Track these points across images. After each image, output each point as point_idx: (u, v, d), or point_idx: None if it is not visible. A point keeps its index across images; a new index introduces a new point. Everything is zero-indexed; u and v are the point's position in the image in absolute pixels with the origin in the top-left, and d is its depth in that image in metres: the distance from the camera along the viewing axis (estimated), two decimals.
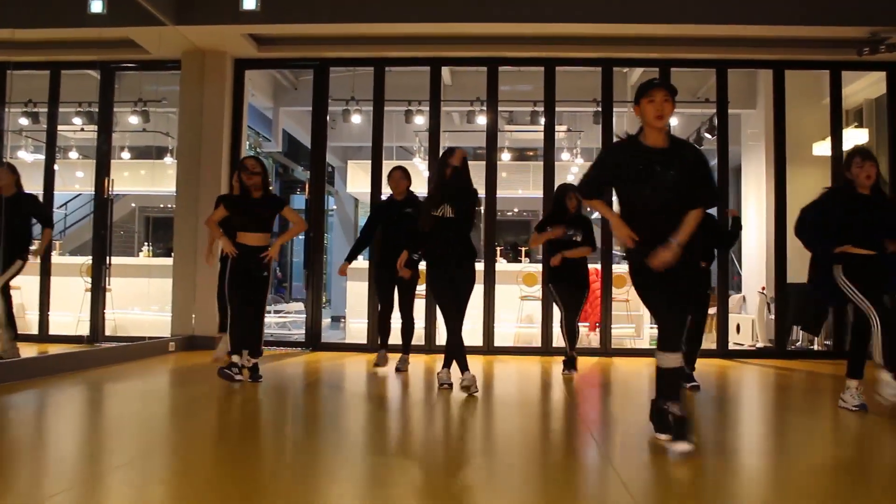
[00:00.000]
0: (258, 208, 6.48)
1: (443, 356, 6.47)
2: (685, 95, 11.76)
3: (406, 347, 7.61)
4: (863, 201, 5.25)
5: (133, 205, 16.08)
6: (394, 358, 7.70)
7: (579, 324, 7.64)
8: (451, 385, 6.21)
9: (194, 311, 9.33)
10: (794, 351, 9.74)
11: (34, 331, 9.39)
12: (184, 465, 3.73)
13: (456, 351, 6.14)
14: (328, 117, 10.16)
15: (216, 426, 4.96)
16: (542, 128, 9.93)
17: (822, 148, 10.45)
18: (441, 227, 6.11)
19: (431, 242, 6.20)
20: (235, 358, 6.43)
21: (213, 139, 9.41)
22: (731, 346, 10.81)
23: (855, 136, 10.47)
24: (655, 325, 4.25)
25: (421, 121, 11.69)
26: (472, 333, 9.56)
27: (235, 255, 6.42)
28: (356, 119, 11.81)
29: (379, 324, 7.81)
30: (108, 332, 9.85)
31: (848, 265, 5.25)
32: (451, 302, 6.10)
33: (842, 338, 9.49)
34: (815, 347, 10.17)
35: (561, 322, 7.49)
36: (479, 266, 9.67)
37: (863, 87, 10.68)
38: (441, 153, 6.49)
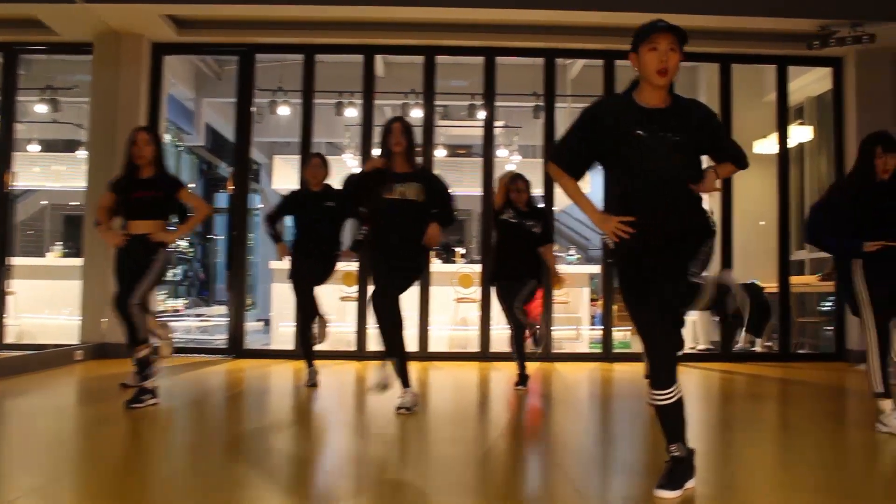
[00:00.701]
0: (147, 190, 5.41)
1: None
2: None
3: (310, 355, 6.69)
4: (878, 191, 4.68)
5: (44, 202, 15.14)
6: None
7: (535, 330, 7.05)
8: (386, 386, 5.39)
9: (106, 315, 8.57)
10: (739, 353, 9.46)
11: None
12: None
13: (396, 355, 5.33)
14: (254, 109, 9.51)
15: (110, 452, 4.33)
16: (479, 123, 9.48)
17: (764, 146, 10.24)
18: (393, 212, 5.24)
19: (380, 229, 5.32)
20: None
21: (128, 130, 8.55)
22: None
23: (799, 133, 10.28)
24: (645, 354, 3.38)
25: (352, 114, 11.11)
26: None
27: (121, 248, 5.41)
28: (284, 111, 11.18)
29: (300, 335, 6.80)
30: (11, 340, 9.10)
31: (871, 263, 4.64)
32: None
33: (786, 340, 9.27)
34: (757, 349, 9.94)
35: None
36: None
37: (805, 84, 10.50)
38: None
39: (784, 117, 9.37)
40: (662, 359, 3.21)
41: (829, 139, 9.65)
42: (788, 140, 9.51)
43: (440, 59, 9.26)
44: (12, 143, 9.16)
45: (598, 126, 3.27)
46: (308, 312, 6.62)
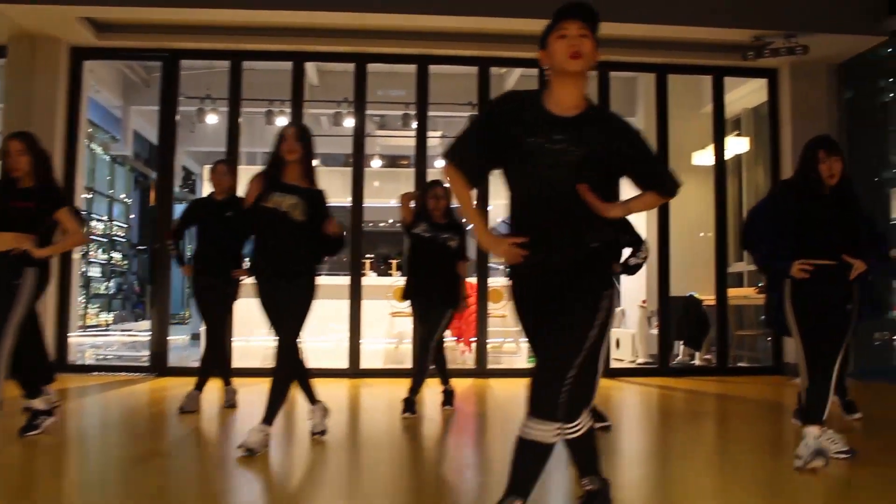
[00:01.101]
0: (22, 200, 4.80)
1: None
2: None
3: (203, 380, 6.05)
4: (822, 202, 4.30)
5: None
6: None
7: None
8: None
9: None
10: (677, 368, 9.35)
11: None
12: None
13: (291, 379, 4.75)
14: (181, 118, 9.15)
15: None
16: (413, 132, 9.24)
17: (702, 157, 10.18)
18: (274, 226, 4.61)
19: (260, 246, 4.73)
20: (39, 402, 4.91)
21: (44, 139, 8.16)
22: (610, 363, 10.46)
23: (736, 145, 10.24)
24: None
25: (284, 123, 10.78)
26: (334, 354, 8.78)
27: None
28: (212, 119, 10.82)
29: (202, 361, 6.22)
30: None
31: (798, 286, 4.27)
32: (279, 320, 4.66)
33: (724, 353, 9.19)
34: (696, 363, 9.85)
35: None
36: (334, 281, 8.91)
37: (742, 96, 10.48)
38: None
39: (720, 128, 9.30)
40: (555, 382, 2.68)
41: (766, 151, 9.63)
42: (725, 151, 9.44)
43: (376, 67, 9.03)
44: None
45: (495, 123, 2.79)
46: (215, 343, 6.13)
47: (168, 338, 8.71)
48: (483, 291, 8.90)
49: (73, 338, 13.40)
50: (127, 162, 16.29)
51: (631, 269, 5.16)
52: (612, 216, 2.72)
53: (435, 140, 12.14)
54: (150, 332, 8.86)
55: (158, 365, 8.50)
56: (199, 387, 6.00)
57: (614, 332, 11.01)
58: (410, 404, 5.90)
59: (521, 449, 2.62)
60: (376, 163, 13.85)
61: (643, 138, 2.83)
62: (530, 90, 2.88)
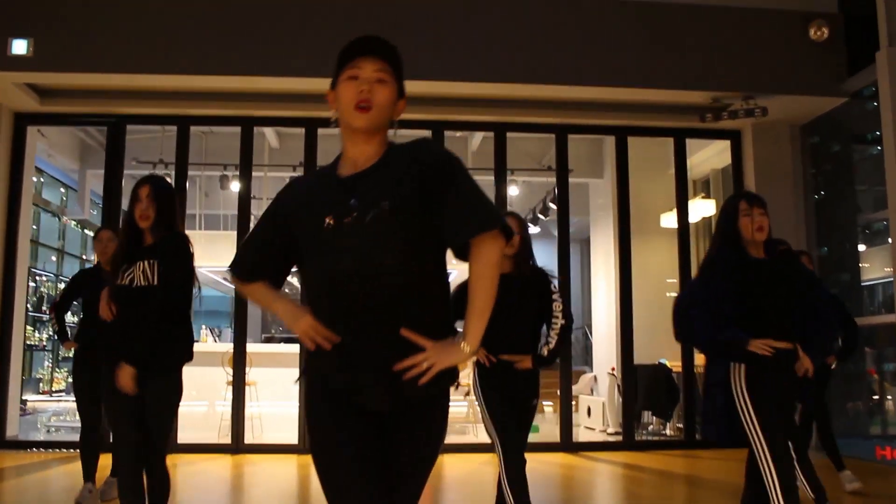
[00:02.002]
0: None
1: None
2: (529, 163, 11.15)
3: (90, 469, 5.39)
4: (757, 269, 3.71)
5: None
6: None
7: None
8: None
9: None
10: (644, 442, 8.97)
11: None
12: None
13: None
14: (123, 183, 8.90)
15: None
16: None
17: (671, 219, 9.95)
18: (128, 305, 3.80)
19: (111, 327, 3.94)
20: None
21: None
22: (582, 430, 10.12)
23: (702, 208, 10.02)
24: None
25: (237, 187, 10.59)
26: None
27: None
28: None
29: (82, 445, 5.44)
30: None
31: (756, 371, 3.60)
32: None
33: (693, 422, 8.82)
34: (669, 433, 9.49)
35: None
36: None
37: (709, 157, 10.30)
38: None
39: (683, 191, 9.06)
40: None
41: None
42: (691, 213, 9.21)
43: (326, 131, 8.83)
44: None
45: (280, 220, 2.21)
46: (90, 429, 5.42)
47: None
48: None
49: (34, 402, 13.11)
50: (84, 226, 15.99)
51: (546, 361, 4.18)
52: (457, 359, 2.04)
53: None
54: None
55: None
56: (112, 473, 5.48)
57: (586, 400, 10.68)
58: None
59: None
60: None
61: (463, 170, 2.09)
62: (327, 165, 2.24)
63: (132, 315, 3.73)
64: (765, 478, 3.55)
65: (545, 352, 4.16)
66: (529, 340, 4.18)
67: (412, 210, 2.01)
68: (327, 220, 2.03)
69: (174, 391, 3.90)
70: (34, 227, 12.12)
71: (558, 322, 4.13)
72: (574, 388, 11.40)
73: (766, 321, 3.62)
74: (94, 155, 11.61)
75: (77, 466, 5.56)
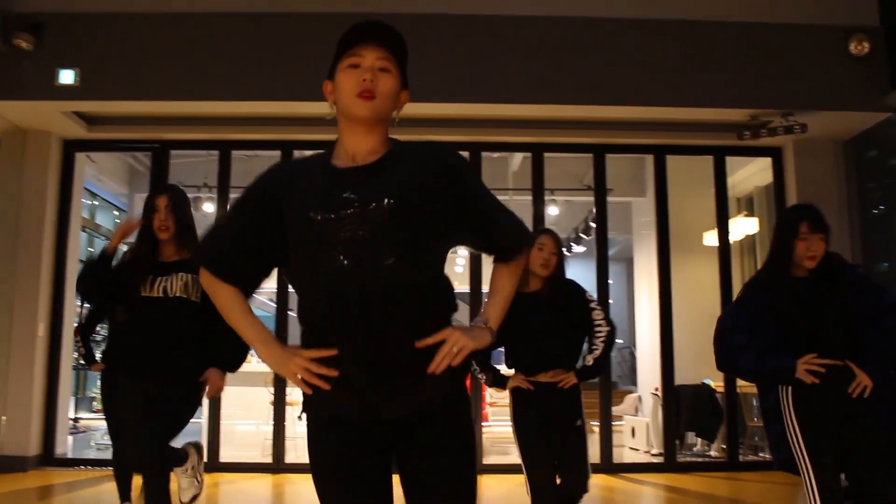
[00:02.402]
0: None
1: None
2: (570, 182, 11.14)
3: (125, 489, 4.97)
4: (797, 288, 3.50)
5: None
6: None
7: None
8: None
9: (3, 423, 8.01)
10: (686, 463, 8.83)
11: None
12: None
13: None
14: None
15: None
16: None
17: (714, 237, 9.84)
18: (148, 313, 3.83)
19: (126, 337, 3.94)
20: None
21: (32, 233, 8.24)
22: (626, 451, 10.04)
23: (744, 226, 9.90)
24: None
25: None
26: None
27: None
28: (208, 207, 10.78)
29: (115, 465, 5.03)
30: None
31: (804, 393, 3.39)
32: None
33: (736, 443, 8.69)
34: (713, 453, 9.34)
35: None
36: None
37: (752, 174, 10.18)
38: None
39: (723, 209, 8.96)
40: None
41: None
42: (732, 232, 9.11)
43: None
44: None
45: (262, 209, 2.01)
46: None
47: None
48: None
49: (87, 421, 13.38)
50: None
51: (591, 372, 4.11)
52: (482, 341, 1.98)
53: None
54: None
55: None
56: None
57: (631, 420, 10.58)
58: None
59: None
60: None
61: (474, 176, 2.06)
62: (316, 154, 2.13)
63: (165, 326, 3.75)
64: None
65: (590, 360, 4.06)
66: (566, 356, 4.08)
67: (414, 209, 1.90)
68: (322, 214, 1.89)
69: (193, 403, 3.91)
70: (90, 249, 12.43)
71: (603, 329, 4.04)
72: (619, 408, 11.36)
73: (811, 342, 3.41)
74: (142, 179, 11.92)
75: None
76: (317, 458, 1.98)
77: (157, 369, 3.75)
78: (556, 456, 3.99)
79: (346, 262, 1.85)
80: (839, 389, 3.35)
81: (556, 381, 3.98)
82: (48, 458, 8.20)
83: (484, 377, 4.17)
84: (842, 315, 3.45)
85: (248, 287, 2.06)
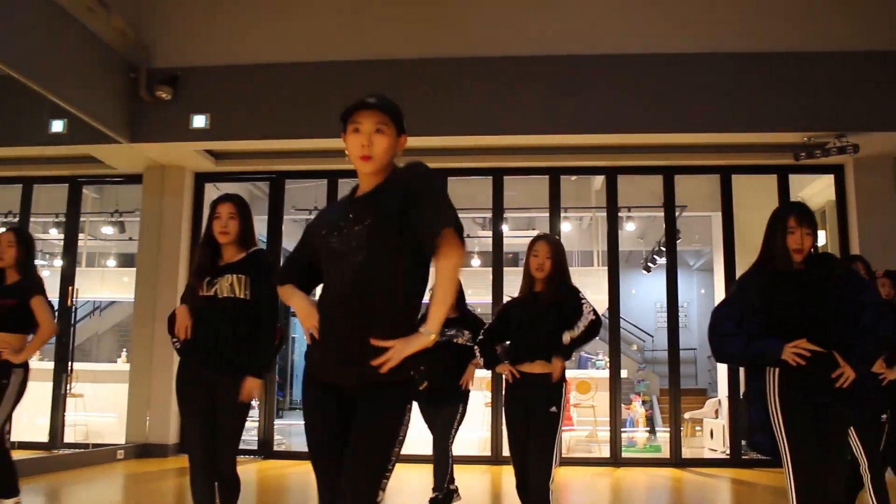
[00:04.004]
0: (5, 297, 4.72)
1: None
2: (651, 200, 11.85)
3: None
4: (784, 280, 3.56)
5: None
6: None
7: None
8: None
9: (149, 416, 9.41)
10: (750, 460, 9.39)
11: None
12: None
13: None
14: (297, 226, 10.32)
15: None
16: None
17: None
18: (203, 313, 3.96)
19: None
20: None
21: (170, 250, 9.70)
22: (706, 451, 10.66)
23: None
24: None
25: None
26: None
27: None
28: None
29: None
30: (80, 438, 9.89)
31: (790, 376, 3.48)
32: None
33: None
34: None
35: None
36: None
37: (822, 188, 10.65)
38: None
39: None
40: None
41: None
42: None
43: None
44: (75, 262, 10.36)
45: (307, 239, 2.76)
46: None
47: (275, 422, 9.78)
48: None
49: None
50: None
51: (567, 348, 4.35)
52: (421, 344, 2.49)
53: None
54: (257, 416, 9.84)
55: (264, 448, 9.57)
56: None
57: (710, 423, 11.21)
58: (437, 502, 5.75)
59: None
60: (476, 262, 14.60)
61: (433, 182, 2.53)
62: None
63: (216, 324, 3.88)
64: (788, 496, 3.42)
65: (567, 339, 4.30)
66: (551, 348, 4.33)
67: (392, 224, 2.46)
68: (333, 234, 2.55)
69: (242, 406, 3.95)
70: None
71: (588, 316, 4.31)
72: (700, 411, 12.02)
73: (797, 333, 3.45)
74: (260, 203, 13.26)
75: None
76: (302, 400, 2.72)
77: (212, 365, 3.87)
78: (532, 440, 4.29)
79: (341, 269, 2.52)
80: (823, 376, 3.42)
81: (542, 371, 4.30)
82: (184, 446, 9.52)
83: (482, 361, 4.71)
84: (826, 308, 3.51)
85: (303, 290, 2.77)
